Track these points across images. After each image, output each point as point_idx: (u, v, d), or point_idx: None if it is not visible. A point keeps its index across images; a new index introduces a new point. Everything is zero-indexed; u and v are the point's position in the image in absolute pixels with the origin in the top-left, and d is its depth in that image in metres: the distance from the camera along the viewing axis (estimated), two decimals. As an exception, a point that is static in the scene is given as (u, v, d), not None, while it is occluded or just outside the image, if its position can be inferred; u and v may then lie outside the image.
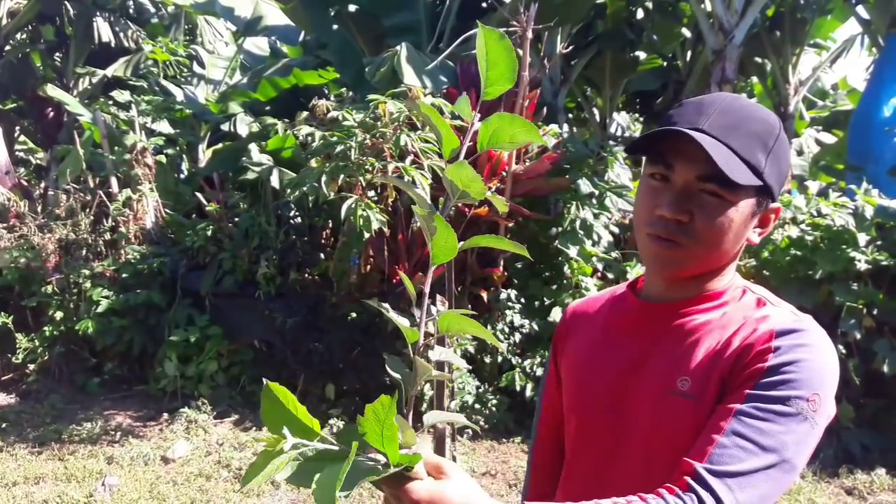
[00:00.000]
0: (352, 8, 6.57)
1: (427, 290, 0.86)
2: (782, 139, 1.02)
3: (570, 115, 9.26)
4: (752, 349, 0.97)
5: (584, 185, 5.02)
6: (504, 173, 4.97)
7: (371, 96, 4.58)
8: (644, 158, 1.07)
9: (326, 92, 7.31)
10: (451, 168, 0.84)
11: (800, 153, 9.26)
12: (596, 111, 8.85)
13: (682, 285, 1.07)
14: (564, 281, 5.00)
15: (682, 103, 1.06)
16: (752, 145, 0.98)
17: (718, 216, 0.99)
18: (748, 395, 0.93)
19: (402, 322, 0.88)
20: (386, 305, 0.91)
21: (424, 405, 4.37)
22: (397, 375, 0.90)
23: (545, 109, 5.85)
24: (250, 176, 5.62)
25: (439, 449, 2.78)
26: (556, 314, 4.80)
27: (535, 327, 4.88)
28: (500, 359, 4.85)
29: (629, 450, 1.06)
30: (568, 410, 1.19)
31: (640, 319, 1.11)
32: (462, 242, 0.89)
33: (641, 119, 10.36)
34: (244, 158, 5.64)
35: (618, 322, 1.15)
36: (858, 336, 4.28)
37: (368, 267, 5.13)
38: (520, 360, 4.82)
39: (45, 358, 5.51)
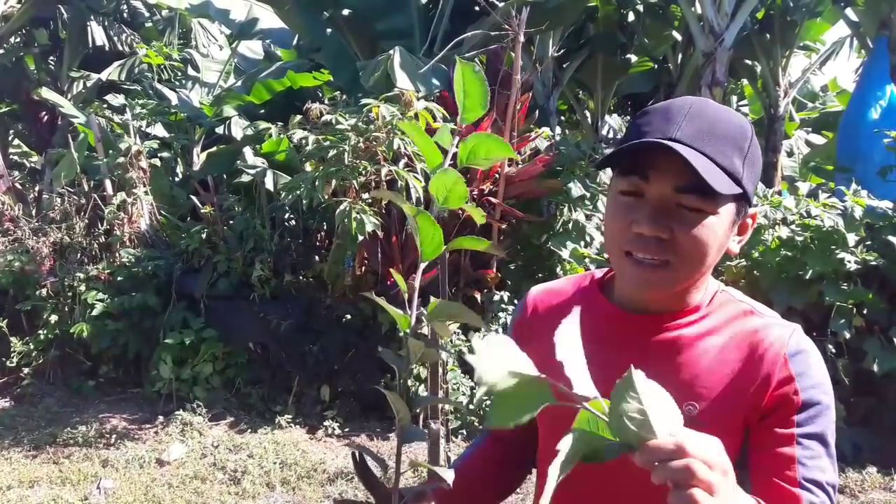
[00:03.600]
0: (345, 12, 6.60)
1: (417, 284, 0.92)
2: (755, 143, 0.98)
3: (563, 118, 9.30)
4: (771, 379, 0.98)
5: (576, 188, 5.06)
6: (497, 176, 5.01)
7: (364, 100, 4.60)
8: (611, 172, 1.02)
9: (321, 95, 7.35)
10: (435, 177, 0.93)
11: (790, 154, 9.33)
12: (588, 114, 8.91)
13: (662, 299, 1.02)
14: (557, 282, 5.04)
15: (646, 111, 1.01)
16: (727, 151, 0.93)
17: (700, 229, 0.93)
18: (797, 441, 0.96)
19: (395, 311, 0.95)
20: (382, 299, 0.98)
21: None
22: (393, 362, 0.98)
23: (537, 112, 5.90)
24: (245, 179, 5.64)
25: (434, 450, 2.80)
26: (549, 315, 4.82)
27: (529, 328, 4.90)
28: (493, 360, 4.88)
29: (624, 473, 0.98)
30: (543, 423, 1.13)
31: (622, 332, 1.05)
32: (447, 244, 0.97)
33: (633, 121, 10.40)
34: (238, 161, 5.66)
35: (596, 332, 1.05)
36: (848, 335, 4.32)
37: (363, 269, 5.16)
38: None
39: (40, 361, 5.50)
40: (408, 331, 0.94)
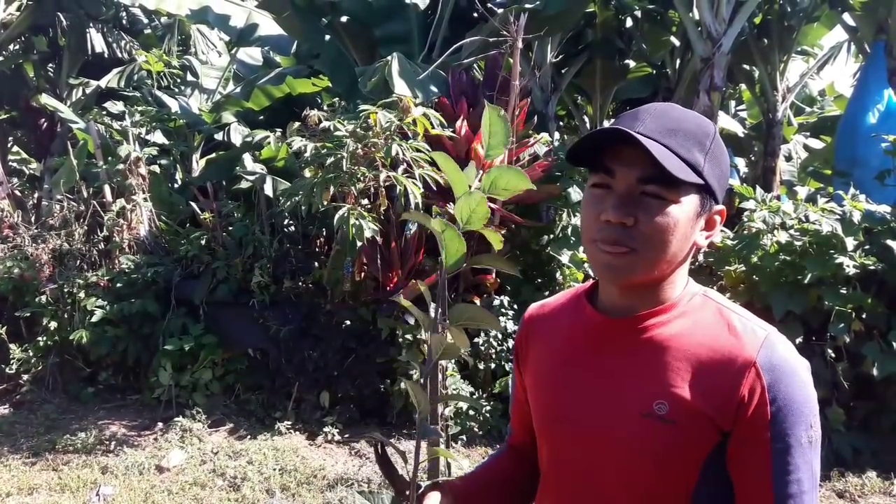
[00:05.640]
0: (344, 18, 6.62)
1: (443, 290, 0.97)
2: (719, 141, 1.05)
3: (561, 123, 9.32)
4: (740, 387, 0.98)
5: (575, 193, 5.06)
6: (496, 181, 5.02)
7: (362, 106, 4.61)
8: (587, 171, 1.09)
9: (319, 101, 7.36)
10: (461, 198, 1.01)
11: (788, 159, 9.35)
12: (586, 119, 8.92)
13: (636, 293, 1.06)
14: (556, 287, 5.04)
15: (619, 115, 1.09)
16: (688, 145, 1.00)
17: (663, 216, 0.99)
18: (772, 457, 0.98)
19: (419, 312, 1.02)
20: (408, 302, 1.02)
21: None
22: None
23: (536, 118, 5.91)
24: (244, 185, 5.64)
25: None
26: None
27: (528, 333, 4.91)
28: (493, 365, 4.88)
29: (607, 471, 1.06)
30: (538, 430, 1.18)
31: (601, 336, 1.10)
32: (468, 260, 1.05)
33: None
34: (238, 167, 5.67)
35: (580, 338, 1.13)
36: (847, 340, 4.33)
37: (362, 275, 5.16)
38: (513, 367, 4.84)
39: (39, 368, 5.49)
40: (428, 332, 0.98)
